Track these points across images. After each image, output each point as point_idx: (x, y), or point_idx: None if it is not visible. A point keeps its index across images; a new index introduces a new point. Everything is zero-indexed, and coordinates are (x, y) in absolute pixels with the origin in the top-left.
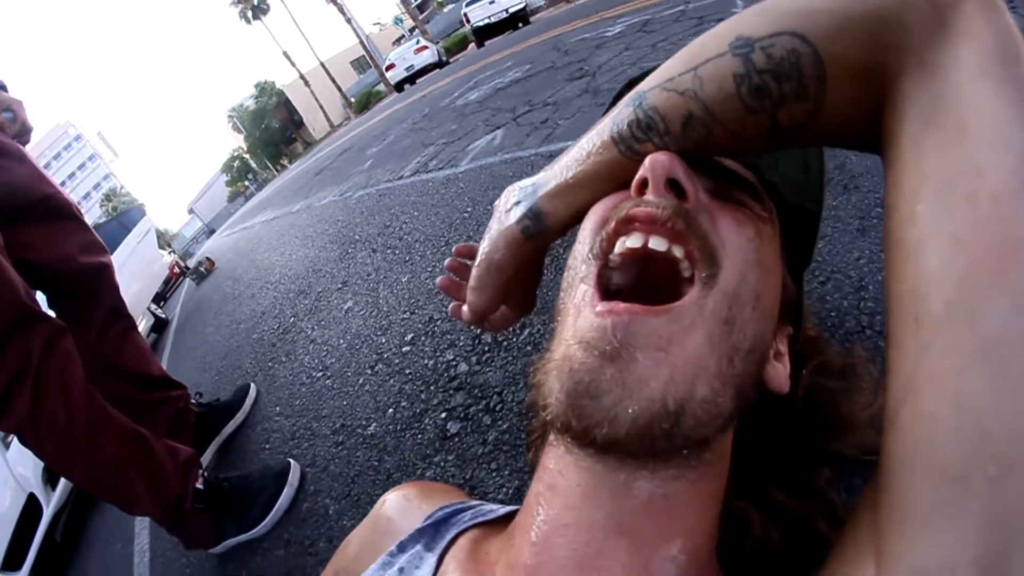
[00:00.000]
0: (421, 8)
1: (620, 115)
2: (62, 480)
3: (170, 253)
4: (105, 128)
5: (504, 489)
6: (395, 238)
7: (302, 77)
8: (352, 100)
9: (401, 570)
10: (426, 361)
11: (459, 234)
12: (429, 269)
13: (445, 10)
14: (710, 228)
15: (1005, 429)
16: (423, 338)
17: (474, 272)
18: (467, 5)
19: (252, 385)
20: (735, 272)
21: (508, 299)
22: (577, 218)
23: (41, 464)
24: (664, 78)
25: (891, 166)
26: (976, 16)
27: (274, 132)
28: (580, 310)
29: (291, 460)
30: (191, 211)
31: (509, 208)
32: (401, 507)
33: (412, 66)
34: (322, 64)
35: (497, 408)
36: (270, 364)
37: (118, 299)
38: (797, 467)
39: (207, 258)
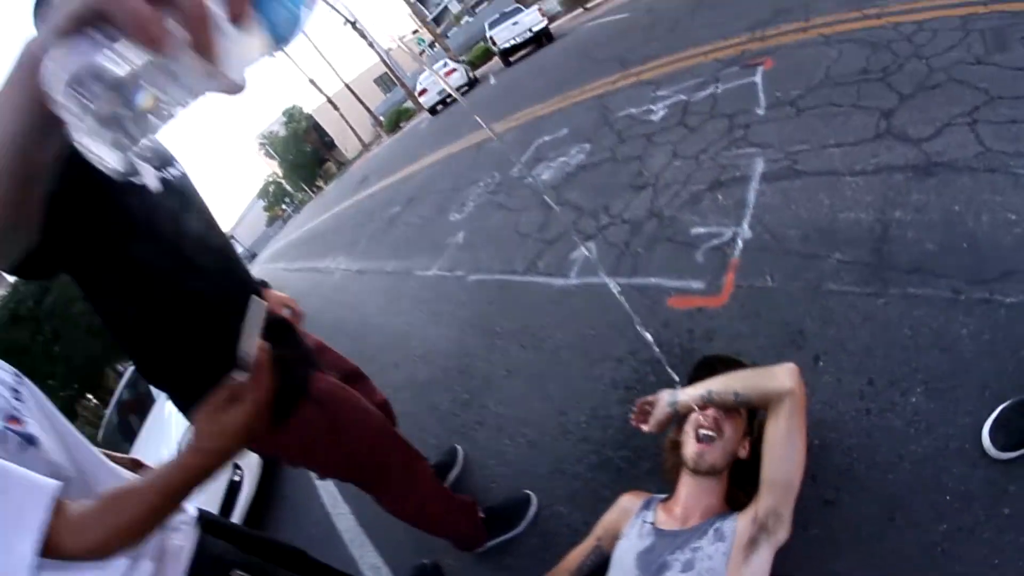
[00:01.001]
0: (437, 21)
1: (704, 392)
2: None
3: None
4: None
5: (651, 490)
6: (537, 339)
7: (330, 101)
8: (381, 119)
9: (643, 518)
10: (598, 434)
11: (594, 348)
12: (581, 377)
13: (462, 23)
14: (725, 425)
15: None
16: (595, 421)
17: (652, 424)
18: (491, 28)
19: (458, 447)
20: (729, 437)
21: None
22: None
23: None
24: (718, 389)
25: (767, 420)
26: (796, 397)
27: (307, 155)
28: (692, 443)
29: (528, 491)
30: (231, 237)
31: (666, 405)
32: (630, 500)
33: (443, 91)
34: (347, 86)
35: (645, 457)
36: (462, 429)
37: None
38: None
39: None
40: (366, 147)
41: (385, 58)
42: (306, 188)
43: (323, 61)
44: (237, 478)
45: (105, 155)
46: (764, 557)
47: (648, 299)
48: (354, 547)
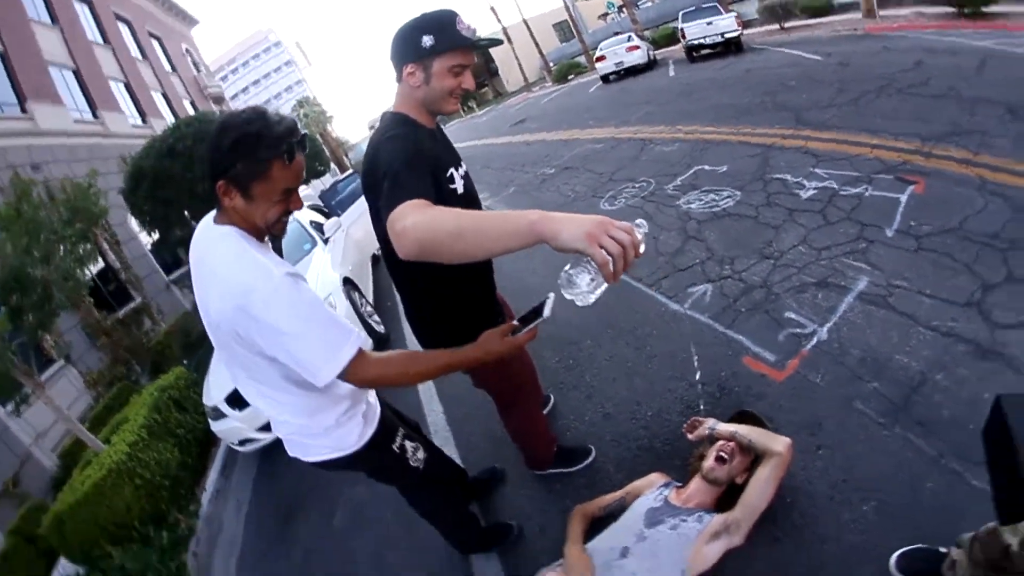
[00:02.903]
0: None
1: (733, 430)
2: None
3: None
4: (303, 39)
5: (673, 477)
6: (640, 343)
7: (505, 32)
8: (552, 65)
9: (661, 491)
10: (656, 428)
11: (679, 367)
12: (661, 384)
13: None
14: (736, 457)
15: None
16: (657, 418)
17: (694, 436)
18: (684, 20)
19: (551, 396)
20: (735, 465)
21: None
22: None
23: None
24: (742, 433)
25: (760, 465)
26: (783, 460)
27: None
28: (711, 459)
29: (591, 446)
30: (372, 127)
31: (708, 427)
32: (658, 477)
33: (622, 63)
34: (525, 22)
35: (678, 456)
36: (559, 385)
37: None
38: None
39: None
40: (528, 86)
41: (571, 7)
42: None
43: None
44: None
45: (578, 300)
46: (718, 548)
47: (731, 351)
48: (437, 439)
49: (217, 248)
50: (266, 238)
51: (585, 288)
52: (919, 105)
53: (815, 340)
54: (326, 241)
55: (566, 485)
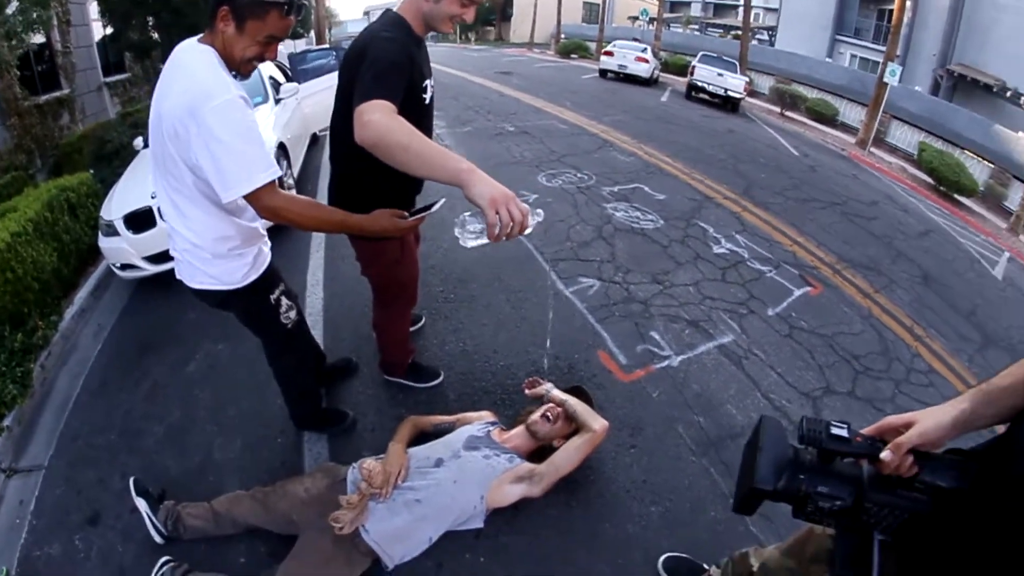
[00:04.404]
0: (674, 7)
1: (564, 398)
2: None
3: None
4: None
5: (502, 420)
6: (519, 304)
7: None
8: (562, 37)
9: (487, 427)
10: (500, 377)
11: (542, 336)
12: (522, 344)
13: (686, 29)
14: (559, 421)
15: (566, 470)
16: (506, 369)
17: (531, 394)
18: (699, 60)
19: (423, 317)
20: (556, 428)
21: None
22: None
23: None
24: (571, 402)
25: (577, 434)
26: (596, 437)
27: (483, 9)
28: (538, 416)
29: (441, 371)
30: (366, 13)
31: (544, 389)
32: (488, 414)
33: (625, 67)
34: None
35: (511, 406)
36: (434, 311)
37: None
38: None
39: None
40: (531, 45)
41: None
42: (456, 33)
43: None
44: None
45: (461, 239)
46: (518, 491)
47: (592, 342)
48: (309, 320)
49: (195, 56)
50: (232, 73)
51: (470, 234)
52: (854, 233)
53: (666, 363)
54: (277, 101)
55: (407, 397)
